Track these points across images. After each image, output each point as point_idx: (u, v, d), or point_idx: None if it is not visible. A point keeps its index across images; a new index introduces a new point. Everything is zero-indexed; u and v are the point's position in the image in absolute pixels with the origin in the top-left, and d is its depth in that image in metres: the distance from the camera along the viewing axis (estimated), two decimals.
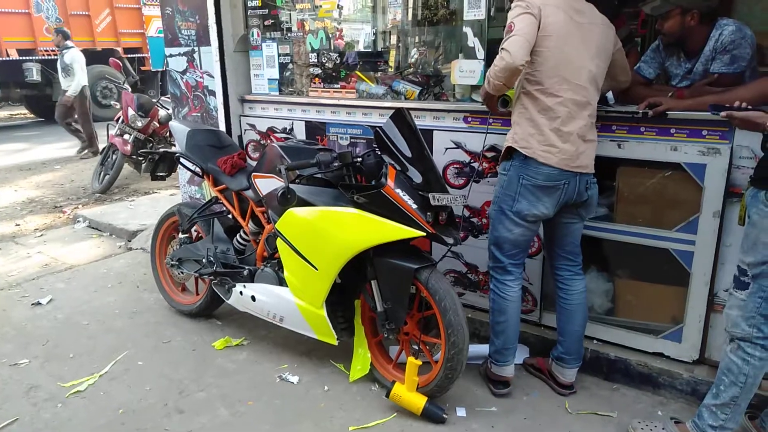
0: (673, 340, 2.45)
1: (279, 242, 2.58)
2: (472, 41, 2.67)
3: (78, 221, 5.22)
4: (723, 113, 1.79)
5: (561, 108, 2.15)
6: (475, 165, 2.78)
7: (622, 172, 2.47)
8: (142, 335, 3.07)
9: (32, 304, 3.45)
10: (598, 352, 2.59)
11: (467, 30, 2.67)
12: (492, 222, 2.38)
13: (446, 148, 2.83)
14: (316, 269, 2.45)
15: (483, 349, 2.69)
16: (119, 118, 6.34)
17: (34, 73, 10.68)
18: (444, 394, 2.40)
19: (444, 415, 2.32)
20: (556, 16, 2.11)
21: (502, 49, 2.06)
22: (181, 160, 3.13)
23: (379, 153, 2.39)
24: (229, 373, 2.72)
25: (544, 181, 2.19)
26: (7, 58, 10.34)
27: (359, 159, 2.42)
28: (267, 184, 2.63)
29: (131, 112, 6.17)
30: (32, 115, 12.89)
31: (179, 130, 3.12)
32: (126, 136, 6.16)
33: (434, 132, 2.85)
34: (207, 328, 3.14)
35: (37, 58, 10.70)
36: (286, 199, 2.30)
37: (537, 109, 2.18)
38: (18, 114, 13.76)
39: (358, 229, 2.30)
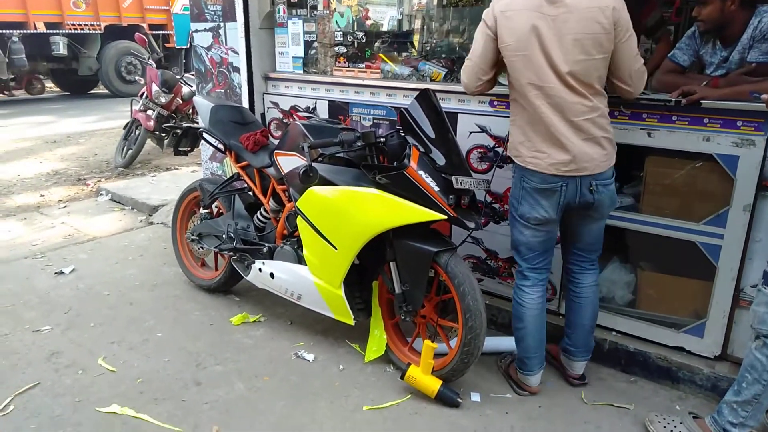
0: (695, 334, 2.41)
1: (299, 220, 2.58)
2: None
3: (101, 194, 5.29)
4: (765, 96, 1.73)
5: (537, 113, 2.06)
6: (499, 150, 2.74)
7: (650, 162, 2.42)
8: (161, 308, 3.11)
9: (55, 273, 3.51)
10: (617, 343, 2.56)
11: None
12: (509, 225, 2.36)
13: (470, 132, 2.80)
14: (336, 249, 2.45)
15: (502, 342, 2.68)
16: (143, 93, 6.37)
17: (61, 47, 10.82)
18: (459, 379, 2.40)
19: (458, 400, 2.31)
20: (517, 19, 2.02)
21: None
22: (204, 135, 3.13)
23: (403, 134, 2.37)
24: (246, 348, 2.75)
25: (540, 184, 2.12)
26: (35, 32, 10.46)
27: (382, 139, 2.40)
28: (289, 162, 2.63)
29: (155, 88, 6.20)
30: (58, 89, 13.07)
31: (203, 105, 3.12)
32: (149, 112, 6.20)
33: (459, 115, 2.81)
34: (225, 304, 3.17)
35: (64, 32, 10.83)
36: (308, 177, 2.30)
37: (521, 115, 2.13)
38: (47, 87, 13.93)
39: (379, 210, 2.28)
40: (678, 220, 2.37)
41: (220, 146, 3.08)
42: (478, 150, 2.81)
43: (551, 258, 2.33)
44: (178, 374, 2.52)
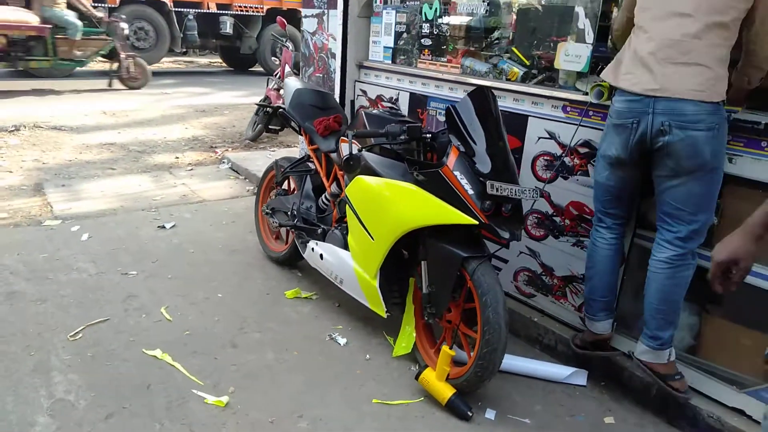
0: (760, 399, 2.05)
1: (347, 207, 2.63)
2: (583, 22, 2.41)
3: (223, 162, 5.80)
4: None
5: (641, 30, 2.05)
6: (566, 159, 2.54)
7: (729, 192, 2.08)
8: (231, 272, 3.37)
9: (158, 227, 3.95)
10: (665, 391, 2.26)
11: (579, 10, 2.41)
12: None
13: (539, 137, 2.63)
14: (373, 239, 2.46)
15: (543, 368, 2.52)
16: (277, 73, 6.83)
17: (228, 26, 11.95)
18: (474, 392, 2.30)
19: (468, 413, 2.22)
20: None
21: None
22: (286, 116, 3.30)
23: (446, 132, 2.30)
24: (290, 321, 2.88)
25: (616, 119, 2.11)
26: (207, 11, 11.68)
27: (428, 135, 2.35)
28: (347, 149, 2.67)
29: (287, 69, 6.60)
30: (224, 65, 14.48)
31: (290, 87, 3.28)
32: (281, 91, 6.63)
33: (529, 118, 2.65)
34: (286, 277, 3.34)
35: (231, 12, 11.93)
36: (349, 166, 2.34)
37: (630, 39, 2.13)
38: (215, 62, 15.52)
39: (412, 206, 2.25)
40: (756, 264, 2.02)
41: (296, 127, 3.23)
42: (545, 157, 2.63)
43: (628, 207, 2.28)
44: (221, 334, 2.72)
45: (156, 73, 11.23)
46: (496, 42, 2.98)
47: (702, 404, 2.17)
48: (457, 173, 2.14)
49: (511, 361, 2.52)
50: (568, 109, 2.52)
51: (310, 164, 3.28)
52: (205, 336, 2.70)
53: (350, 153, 2.29)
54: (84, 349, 2.53)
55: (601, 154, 2.24)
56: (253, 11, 12.16)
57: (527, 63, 2.85)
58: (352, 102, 3.73)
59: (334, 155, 2.91)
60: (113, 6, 10.56)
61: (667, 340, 2.14)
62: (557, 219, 2.63)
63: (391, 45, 3.44)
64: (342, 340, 2.72)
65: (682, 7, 1.94)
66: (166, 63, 13.75)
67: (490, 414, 2.28)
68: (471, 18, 3.05)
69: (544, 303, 2.76)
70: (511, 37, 2.92)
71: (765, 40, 1.91)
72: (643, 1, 2.08)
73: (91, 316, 2.78)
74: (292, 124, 3.26)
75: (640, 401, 2.35)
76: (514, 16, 3.01)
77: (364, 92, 3.63)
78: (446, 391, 2.25)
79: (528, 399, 2.39)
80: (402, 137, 2.32)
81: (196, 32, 11.56)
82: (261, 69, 13.35)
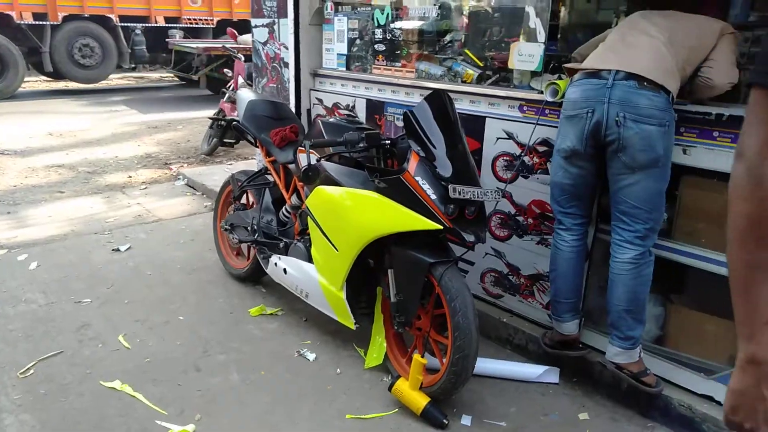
0: (727, 384, 2.08)
1: (309, 218, 2.56)
2: (534, 22, 2.42)
3: (179, 179, 5.64)
4: None
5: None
6: (526, 159, 2.54)
7: (685, 183, 2.11)
8: (190, 291, 3.24)
9: (112, 250, 3.79)
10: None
11: (529, 9, 2.42)
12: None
13: (497, 138, 2.62)
14: (337, 250, 2.41)
15: (519, 368, 2.51)
16: (230, 85, 6.70)
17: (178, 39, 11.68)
18: (449, 399, 2.27)
19: (444, 421, 2.18)
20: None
21: None
22: (240, 128, 3.21)
23: (405, 137, 2.27)
24: (255, 340, 2.79)
25: (570, 110, 2.13)
26: (156, 25, 11.42)
27: (388, 141, 2.31)
28: (306, 159, 2.61)
29: (240, 80, 6.48)
30: (176, 79, 14.14)
31: (242, 99, 3.19)
32: (235, 103, 6.50)
33: (487, 119, 2.65)
34: (250, 294, 3.24)
35: (180, 26, 11.69)
36: (308, 176, 2.28)
37: None
38: (167, 77, 15.13)
39: (375, 214, 2.21)
40: (716, 252, 2.05)
41: (252, 140, 3.15)
42: (505, 158, 2.63)
43: (585, 206, 2.28)
44: (183, 358, 2.61)
45: (105, 91, 10.95)
46: (449, 45, 2.97)
47: (673, 393, 2.19)
48: (418, 179, 2.10)
49: (483, 364, 2.49)
50: (525, 108, 2.53)
51: (268, 177, 3.19)
52: (167, 362, 2.59)
53: (309, 163, 2.23)
54: (36, 386, 2.38)
55: (556, 149, 2.24)
56: (202, 23, 11.95)
57: (480, 64, 2.85)
58: (309, 111, 3.66)
59: (292, 166, 2.84)
60: (56, 23, 10.20)
61: (638, 339, 2.15)
62: (520, 218, 2.63)
63: (345, 52, 3.40)
64: (311, 356, 2.65)
65: (656, 24, 2.08)
66: (115, 80, 13.37)
67: (465, 420, 2.24)
68: (423, 22, 3.03)
69: (512, 303, 2.75)
70: (463, 40, 2.91)
71: (722, 73, 2.00)
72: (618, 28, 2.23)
73: (42, 350, 2.62)
74: (248, 136, 3.18)
75: (612, 395, 2.36)
76: (465, 19, 3.03)
77: (320, 101, 3.58)
78: (420, 401, 2.21)
79: (502, 401, 2.37)
80: (361, 145, 2.28)
81: (144, 47, 11.27)
82: None
